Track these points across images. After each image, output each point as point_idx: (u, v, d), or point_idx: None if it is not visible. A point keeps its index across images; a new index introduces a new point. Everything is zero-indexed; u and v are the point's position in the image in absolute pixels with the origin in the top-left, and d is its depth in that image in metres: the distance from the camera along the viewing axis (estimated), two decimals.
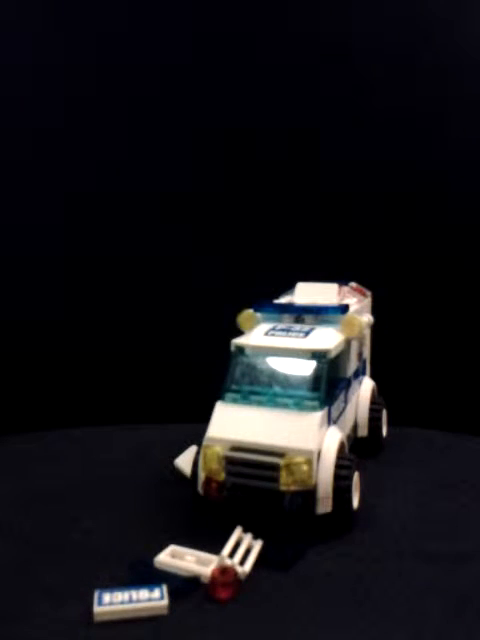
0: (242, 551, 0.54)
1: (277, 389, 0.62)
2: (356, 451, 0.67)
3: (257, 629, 0.46)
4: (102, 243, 1.00)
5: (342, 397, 0.68)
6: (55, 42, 0.96)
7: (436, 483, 0.69)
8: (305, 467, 0.56)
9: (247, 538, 0.56)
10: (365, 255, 0.97)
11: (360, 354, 0.79)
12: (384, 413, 0.80)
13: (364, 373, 0.83)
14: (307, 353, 0.61)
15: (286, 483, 0.56)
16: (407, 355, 1.00)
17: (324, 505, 0.57)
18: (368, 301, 0.84)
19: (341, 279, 0.79)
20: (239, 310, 0.71)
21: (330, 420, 0.61)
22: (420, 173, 0.98)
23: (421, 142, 0.97)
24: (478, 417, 0.98)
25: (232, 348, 0.64)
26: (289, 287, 0.79)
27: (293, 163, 0.99)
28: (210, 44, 0.96)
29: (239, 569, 0.51)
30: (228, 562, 0.52)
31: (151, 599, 0.47)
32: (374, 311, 0.84)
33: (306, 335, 0.64)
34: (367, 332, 0.82)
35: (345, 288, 0.79)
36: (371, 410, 0.77)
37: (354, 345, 0.73)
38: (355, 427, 0.76)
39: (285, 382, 0.62)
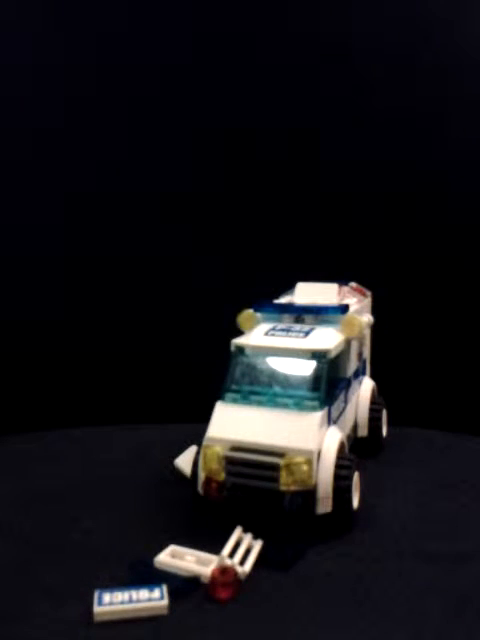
0: (242, 551, 0.54)
1: (277, 389, 0.62)
2: (356, 451, 0.67)
3: (257, 629, 0.46)
4: (102, 243, 1.00)
5: (342, 397, 0.68)
6: (55, 42, 0.96)
7: (436, 483, 0.69)
8: (305, 467, 0.56)
9: (247, 538, 0.56)
10: (365, 255, 0.97)
11: (360, 354, 0.79)
12: (384, 413, 0.80)
13: (364, 373, 0.83)
14: (307, 353, 0.61)
15: (286, 483, 0.56)
16: (407, 355, 1.00)
17: (324, 505, 0.57)
18: (368, 301, 0.84)
19: (341, 279, 0.79)
20: (239, 310, 0.71)
21: (330, 420, 0.61)
22: (420, 173, 0.98)
23: (421, 142, 0.97)
24: (478, 417, 0.98)
25: (232, 348, 0.64)
26: (289, 287, 0.79)
27: (293, 163, 0.99)
28: (210, 44, 0.96)
29: (239, 569, 0.51)
30: (228, 562, 0.52)
31: (151, 599, 0.47)
32: (374, 311, 0.84)
33: (306, 335, 0.64)
34: (367, 332, 0.82)
35: (345, 288, 0.79)
36: (371, 410, 0.77)
37: (354, 345, 0.73)
38: (355, 427, 0.76)
39: (285, 382, 0.62)
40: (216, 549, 0.53)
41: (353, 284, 0.83)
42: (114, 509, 0.64)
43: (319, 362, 0.61)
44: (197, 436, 0.61)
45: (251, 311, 0.71)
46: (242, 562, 0.53)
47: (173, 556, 0.54)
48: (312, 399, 0.60)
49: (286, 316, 0.71)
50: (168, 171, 0.99)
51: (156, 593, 0.48)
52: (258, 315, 0.71)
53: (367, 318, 0.78)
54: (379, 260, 0.98)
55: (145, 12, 0.96)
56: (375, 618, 0.46)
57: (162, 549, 0.54)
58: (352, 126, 0.97)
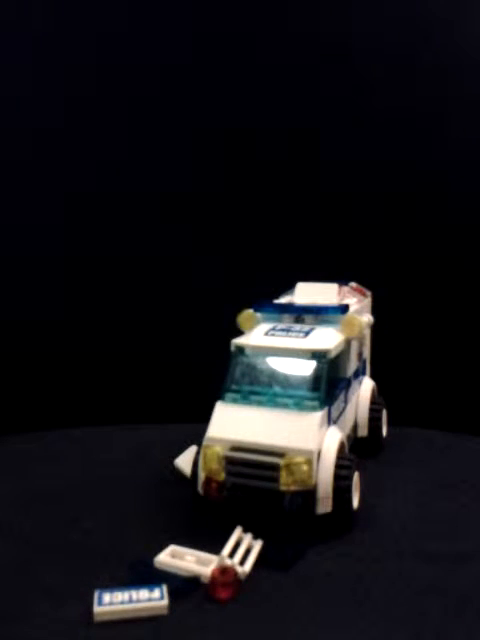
0: (242, 551, 0.54)
1: (277, 389, 0.62)
2: (356, 451, 0.67)
3: (257, 629, 0.45)
4: (102, 243, 1.00)
5: (342, 397, 0.68)
6: (55, 42, 0.96)
7: (436, 483, 0.69)
8: (305, 467, 0.56)
9: (247, 538, 0.56)
10: (365, 255, 0.97)
11: (360, 354, 0.79)
12: (384, 413, 0.80)
13: (364, 373, 0.83)
14: (307, 353, 0.61)
15: (286, 483, 0.56)
16: (407, 355, 1.00)
17: (324, 505, 0.57)
18: (368, 301, 0.84)
19: (341, 279, 0.79)
20: (239, 310, 0.71)
21: (330, 420, 0.61)
22: (420, 173, 0.98)
23: (421, 142, 0.97)
24: (478, 417, 0.98)
25: (232, 348, 0.64)
26: (289, 287, 0.79)
27: (293, 163, 0.99)
28: (210, 44, 0.96)
29: (239, 569, 0.51)
30: (228, 562, 0.52)
31: (151, 599, 0.47)
32: (374, 311, 0.84)
33: (306, 335, 0.64)
34: (367, 332, 0.82)
35: (345, 288, 0.79)
36: (371, 410, 0.77)
37: (354, 345, 0.73)
38: (355, 427, 0.76)
39: (285, 382, 0.62)
40: (216, 549, 0.53)
41: (353, 284, 0.83)
42: (114, 509, 0.64)
43: (319, 362, 0.61)
44: (197, 436, 0.61)
45: (251, 311, 0.71)
46: (242, 562, 0.53)
47: (173, 556, 0.54)
48: (312, 399, 0.60)
49: (286, 316, 0.71)
50: (168, 171, 0.99)
51: (156, 593, 0.48)
52: (258, 315, 0.71)
53: (367, 318, 0.77)
54: (379, 260, 0.98)
55: (145, 12, 0.96)
56: (375, 618, 0.46)
57: (162, 549, 0.54)
58: (352, 126, 0.97)
